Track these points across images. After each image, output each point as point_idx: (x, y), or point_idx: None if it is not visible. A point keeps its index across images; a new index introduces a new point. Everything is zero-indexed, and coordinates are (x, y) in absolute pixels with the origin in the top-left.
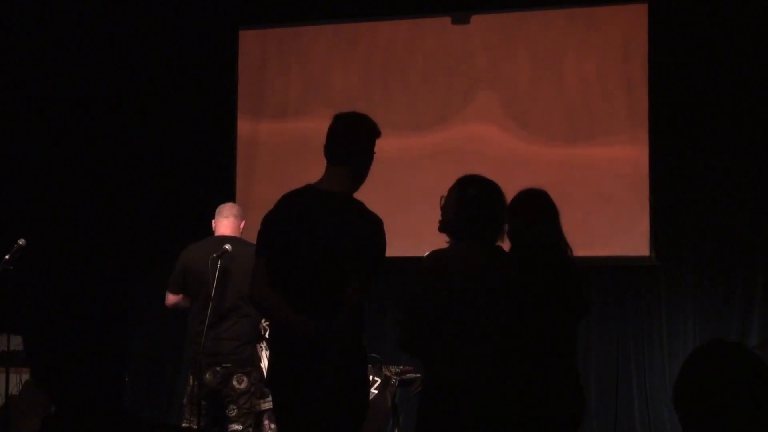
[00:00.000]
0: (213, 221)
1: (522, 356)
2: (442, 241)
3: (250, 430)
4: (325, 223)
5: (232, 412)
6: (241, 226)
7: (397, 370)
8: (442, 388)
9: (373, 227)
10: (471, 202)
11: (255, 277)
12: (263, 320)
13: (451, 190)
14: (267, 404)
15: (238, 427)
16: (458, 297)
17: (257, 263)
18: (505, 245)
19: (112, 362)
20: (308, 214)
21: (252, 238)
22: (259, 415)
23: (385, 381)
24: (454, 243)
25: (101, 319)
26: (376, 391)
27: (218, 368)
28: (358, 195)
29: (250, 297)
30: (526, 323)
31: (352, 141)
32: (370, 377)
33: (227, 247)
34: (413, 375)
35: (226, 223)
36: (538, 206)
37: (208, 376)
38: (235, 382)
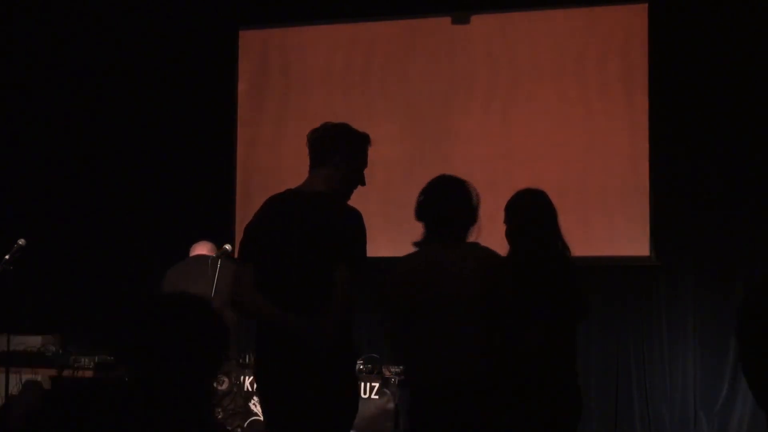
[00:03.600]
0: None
1: (518, 356)
2: None
3: (239, 430)
4: (304, 221)
5: (219, 414)
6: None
7: (397, 370)
8: (430, 389)
9: (351, 219)
10: (424, 203)
11: (238, 281)
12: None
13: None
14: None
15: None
16: (421, 300)
17: (240, 268)
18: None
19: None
20: (288, 214)
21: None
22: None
23: (385, 381)
24: (421, 245)
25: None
26: (376, 396)
27: None
28: (356, 197)
29: (232, 300)
30: (523, 324)
31: (329, 144)
32: (370, 378)
33: (227, 246)
34: None
35: (202, 245)
36: (536, 206)
37: None
38: (215, 384)
